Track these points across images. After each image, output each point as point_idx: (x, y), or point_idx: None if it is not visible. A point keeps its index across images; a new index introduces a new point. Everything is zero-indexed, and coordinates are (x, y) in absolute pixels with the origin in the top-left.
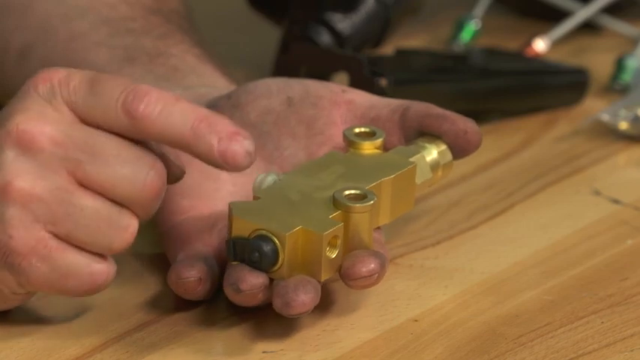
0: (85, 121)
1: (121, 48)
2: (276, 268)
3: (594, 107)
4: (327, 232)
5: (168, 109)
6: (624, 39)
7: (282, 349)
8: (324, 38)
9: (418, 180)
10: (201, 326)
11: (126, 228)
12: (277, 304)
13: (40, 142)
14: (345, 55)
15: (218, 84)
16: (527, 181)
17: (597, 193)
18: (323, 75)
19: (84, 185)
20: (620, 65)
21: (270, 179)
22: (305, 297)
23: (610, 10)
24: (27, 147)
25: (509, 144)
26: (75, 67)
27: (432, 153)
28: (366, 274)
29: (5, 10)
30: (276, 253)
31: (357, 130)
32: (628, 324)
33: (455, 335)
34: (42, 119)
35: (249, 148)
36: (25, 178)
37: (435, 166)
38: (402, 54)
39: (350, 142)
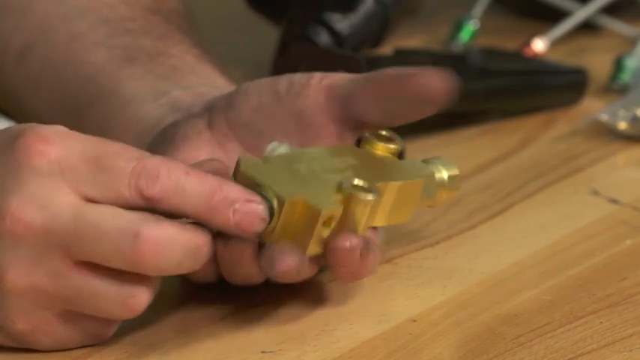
0: (91, 200)
1: (120, 48)
2: (267, 229)
3: (593, 107)
4: (326, 209)
5: (181, 186)
6: (623, 39)
7: (280, 349)
8: (323, 38)
9: (422, 197)
10: (199, 326)
11: (131, 300)
12: (263, 264)
13: (32, 231)
14: (344, 55)
15: (217, 83)
16: (526, 181)
17: (596, 193)
18: None
19: (81, 264)
20: (618, 65)
21: (283, 149)
22: (290, 260)
23: (609, 10)
24: (21, 235)
25: (507, 144)
26: (75, 68)
27: (443, 175)
28: (348, 247)
29: (4, 10)
30: (271, 213)
31: (376, 130)
32: (627, 324)
33: (454, 335)
34: (33, 203)
35: (262, 214)
36: (20, 267)
37: (440, 187)
38: (400, 54)
39: (366, 138)
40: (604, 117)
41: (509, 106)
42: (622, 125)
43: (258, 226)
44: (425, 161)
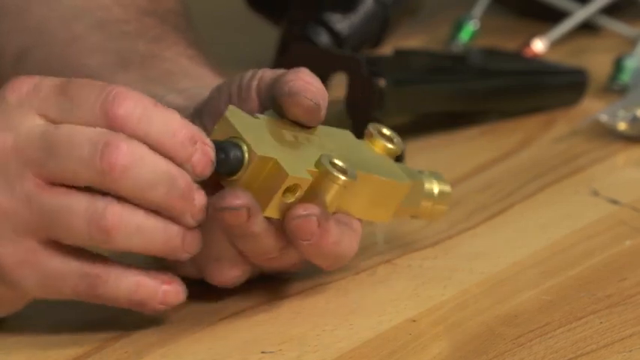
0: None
1: (114, 52)
2: (232, 177)
3: (593, 108)
4: (292, 175)
5: (148, 113)
6: (623, 39)
7: (280, 350)
8: (323, 38)
9: (404, 202)
10: (200, 326)
11: (102, 215)
12: (214, 200)
13: (3, 151)
14: (343, 56)
15: (211, 85)
16: (526, 181)
17: (596, 193)
18: (322, 75)
19: (53, 183)
20: (618, 66)
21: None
22: (239, 200)
23: (608, 11)
24: None
25: (507, 144)
26: (71, 72)
27: (433, 188)
28: (303, 214)
29: (0, 13)
30: (240, 162)
31: (382, 128)
32: (627, 324)
33: (454, 335)
34: (4, 127)
35: (213, 157)
36: None
37: (428, 199)
38: (400, 54)
39: (369, 133)
40: (604, 117)
41: (509, 106)
42: (622, 126)
43: (209, 170)
44: (421, 171)
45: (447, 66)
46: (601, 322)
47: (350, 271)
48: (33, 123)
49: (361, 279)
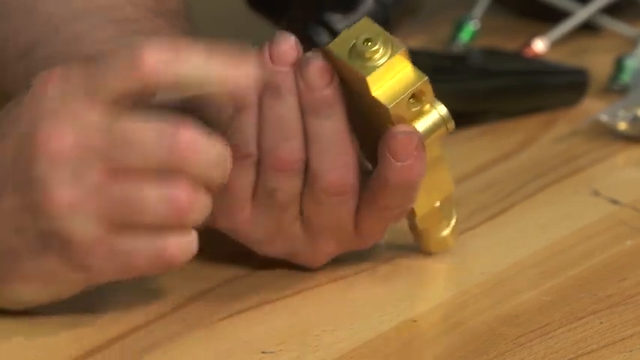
0: (100, 99)
1: None
2: (369, 64)
3: (593, 108)
4: (425, 79)
5: (182, 49)
6: (623, 39)
7: (281, 349)
8: (324, 38)
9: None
10: (200, 326)
11: (175, 198)
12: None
13: (67, 148)
14: None
15: None
16: (526, 181)
17: (596, 193)
18: None
19: (121, 174)
20: (619, 66)
21: None
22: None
23: (609, 11)
24: (55, 156)
25: (508, 144)
26: None
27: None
28: (408, 130)
29: (7, 10)
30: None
31: None
32: (627, 324)
33: (454, 335)
34: (61, 123)
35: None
36: (63, 187)
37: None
38: None
39: None
40: (604, 117)
41: (509, 106)
42: (622, 126)
43: (291, 54)
44: None
45: (448, 66)
46: (601, 323)
47: (350, 271)
48: (88, 108)
49: (362, 279)
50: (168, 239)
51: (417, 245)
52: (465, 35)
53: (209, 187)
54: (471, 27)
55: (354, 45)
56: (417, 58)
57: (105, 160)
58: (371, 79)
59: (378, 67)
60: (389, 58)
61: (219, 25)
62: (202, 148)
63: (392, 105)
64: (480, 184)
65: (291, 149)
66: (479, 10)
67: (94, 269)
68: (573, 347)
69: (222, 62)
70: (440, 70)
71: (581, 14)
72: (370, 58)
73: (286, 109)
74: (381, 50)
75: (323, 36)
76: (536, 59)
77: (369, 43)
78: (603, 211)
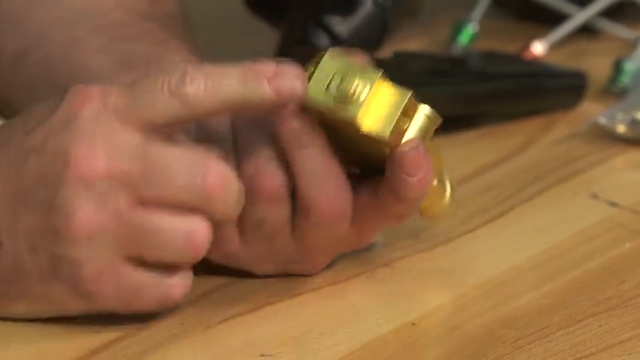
0: (137, 125)
1: (116, 54)
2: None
3: (592, 110)
4: (411, 94)
5: (211, 77)
6: (622, 42)
7: (279, 352)
8: (323, 41)
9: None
10: (198, 329)
11: (193, 234)
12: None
13: (97, 173)
14: None
15: None
16: (526, 184)
17: (595, 196)
18: None
19: (146, 204)
20: (617, 68)
21: None
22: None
23: (608, 14)
24: (85, 180)
25: (507, 147)
26: (71, 72)
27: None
28: (416, 145)
29: (0, 16)
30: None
31: None
32: (626, 327)
33: (453, 338)
34: (95, 147)
35: (297, 73)
36: (87, 210)
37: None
38: (400, 57)
39: None
40: (603, 120)
41: (508, 109)
42: (621, 128)
43: (299, 86)
44: None
45: (447, 69)
46: (600, 325)
47: (348, 274)
48: (122, 136)
49: (360, 281)
50: (174, 279)
51: (416, 248)
52: (463, 38)
53: (212, 221)
54: (470, 29)
55: (329, 87)
56: (416, 61)
57: (133, 189)
58: (360, 118)
59: (362, 103)
60: (370, 90)
61: (218, 26)
62: (227, 186)
63: (388, 134)
64: (479, 186)
65: (272, 174)
66: (478, 12)
67: (98, 300)
68: (572, 350)
69: (261, 79)
70: (439, 73)
71: (580, 17)
72: (352, 97)
73: (261, 135)
74: (359, 85)
75: (322, 38)
76: (535, 62)
77: (346, 83)
78: (602, 213)
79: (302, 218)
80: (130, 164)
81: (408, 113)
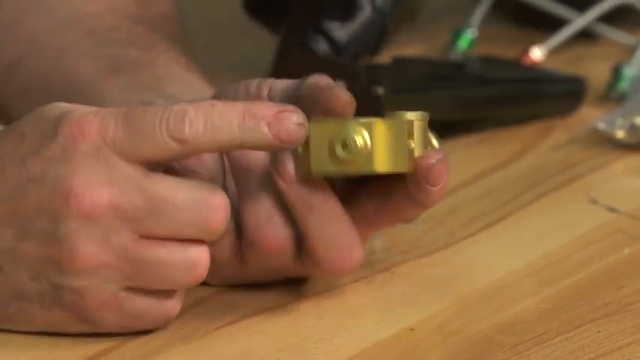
0: (136, 161)
1: (106, 59)
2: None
3: (591, 116)
4: (407, 115)
5: (210, 118)
6: (621, 47)
7: (278, 358)
8: (322, 46)
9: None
10: (196, 336)
11: (195, 265)
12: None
13: (100, 209)
14: (342, 64)
15: (203, 92)
16: (524, 189)
17: (594, 201)
18: None
19: (148, 236)
20: (616, 74)
21: None
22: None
23: (607, 19)
24: (87, 215)
25: (505, 152)
26: (63, 79)
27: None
28: (437, 156)
29: None
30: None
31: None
32: (624, 333)
33: (451, 344)
34: (96, 182)
35: (298, 119)
36: (90, 245)
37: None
38: (399, 62)
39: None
40: (602, 125)
41: (507, 114)
42: (620, 134)
43: (298, 133)
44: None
45: (446, 74)
46: (599, 331)
47: (348, 279)
48: (123, 172)
49: (359, 287)
50: (173, 301)
51: (415, 253)
52: (462, 43)
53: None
54: (469, 35)
55: (333, 154)
56: (415, 66)
57: (135, 224)
58: (376, 166)
59: (371, 152)
60: (372, 139)
61: (217, 30)
62: (227, 218)
63: (407, 166)
64: (478, 191)
65: (276, 230)
66: (477, 17)
67: (100, 324)
68: (571, 356)
69: (261, 123)
70: (438, 78)
71: (579, 22)
72: (359, 154)
73: (259, 181)
74: (361, 138)
75: (321, 43)
76: (534, 67)
77: (350, 143)
78: (601, 219)
79: (311, 265)
80: (132, 199)
81: (412, 134)
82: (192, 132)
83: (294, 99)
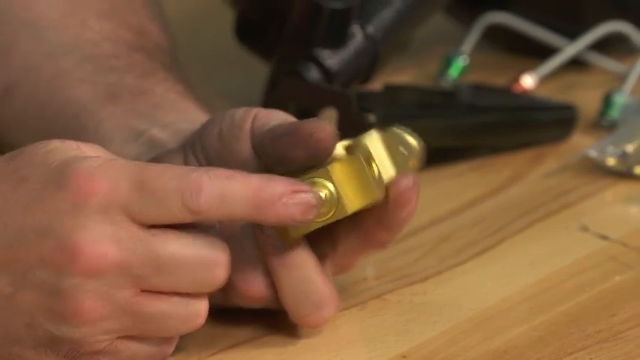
0: (145, 223)
1: (104, 85)
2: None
3: (582, 143)
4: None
5: (226, 193)
6: (612, 75)
7: None
8: (313, 74)
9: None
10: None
11: (196, 316)
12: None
13: (105, 266)
14: (333, 91)
15: (198, 120)
16: (516, 216)
17: (585, 229)
18: (312, 111)
19: (152, 291)
20: (607, 101)
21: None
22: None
23: (597, 47)
24: (92, 272)
25: (497, 180)
26: (59, 105)
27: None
28: (410, 179)
29: None
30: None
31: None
32: None
33: None
34: (103, 239)
35: (311, 200)
36: (93, 301)
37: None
38: (390, 90)
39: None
40: (593, 153)
41: (498, 141)
42: (611, 161)
43: (311, 214)
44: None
45: (437, 101)
46: (591, 358)
47: (340, 307)
48: (131, 231)
49: (351, 314)
50: (170, 346)
51: (406, 281)
52: (453, 71)
53: None
54: (460, 62)
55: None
56: (407, 94)
57: (140, 280)
58: (348, 209)
59: (339, 198)
60: (335, 186)
61: (209, 59)
62: (228, 270)
63: (377, 196)
64: (469, 219)
65: (258, 282)
66: (468, 45)
67: None
68: None
69: (273, 205)
70: (429, 106)
71: (570, 50)
72: (330, 205)
73: (247, 235)
74: (328, 193)
75: (313, 71)
76: (525, 95)
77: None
78: (592, 246)
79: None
80: (138, 257)
81: (369, 162)
82: (207, 205)
83: (275, 134)
